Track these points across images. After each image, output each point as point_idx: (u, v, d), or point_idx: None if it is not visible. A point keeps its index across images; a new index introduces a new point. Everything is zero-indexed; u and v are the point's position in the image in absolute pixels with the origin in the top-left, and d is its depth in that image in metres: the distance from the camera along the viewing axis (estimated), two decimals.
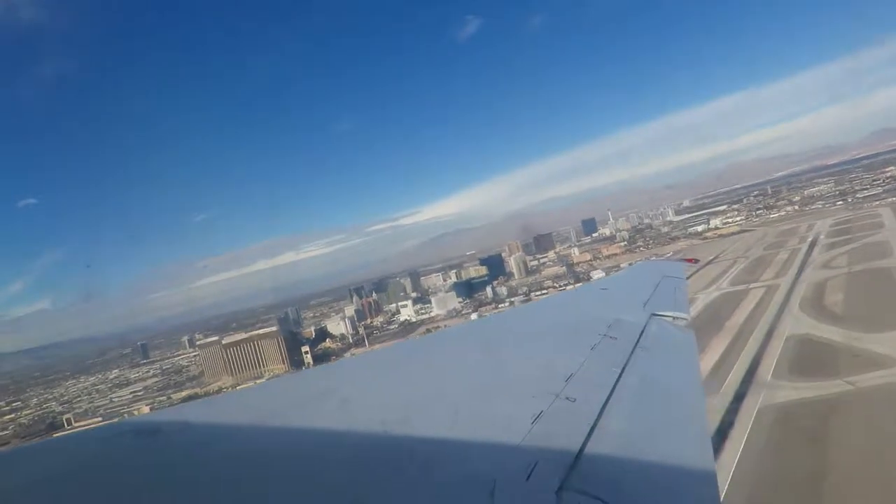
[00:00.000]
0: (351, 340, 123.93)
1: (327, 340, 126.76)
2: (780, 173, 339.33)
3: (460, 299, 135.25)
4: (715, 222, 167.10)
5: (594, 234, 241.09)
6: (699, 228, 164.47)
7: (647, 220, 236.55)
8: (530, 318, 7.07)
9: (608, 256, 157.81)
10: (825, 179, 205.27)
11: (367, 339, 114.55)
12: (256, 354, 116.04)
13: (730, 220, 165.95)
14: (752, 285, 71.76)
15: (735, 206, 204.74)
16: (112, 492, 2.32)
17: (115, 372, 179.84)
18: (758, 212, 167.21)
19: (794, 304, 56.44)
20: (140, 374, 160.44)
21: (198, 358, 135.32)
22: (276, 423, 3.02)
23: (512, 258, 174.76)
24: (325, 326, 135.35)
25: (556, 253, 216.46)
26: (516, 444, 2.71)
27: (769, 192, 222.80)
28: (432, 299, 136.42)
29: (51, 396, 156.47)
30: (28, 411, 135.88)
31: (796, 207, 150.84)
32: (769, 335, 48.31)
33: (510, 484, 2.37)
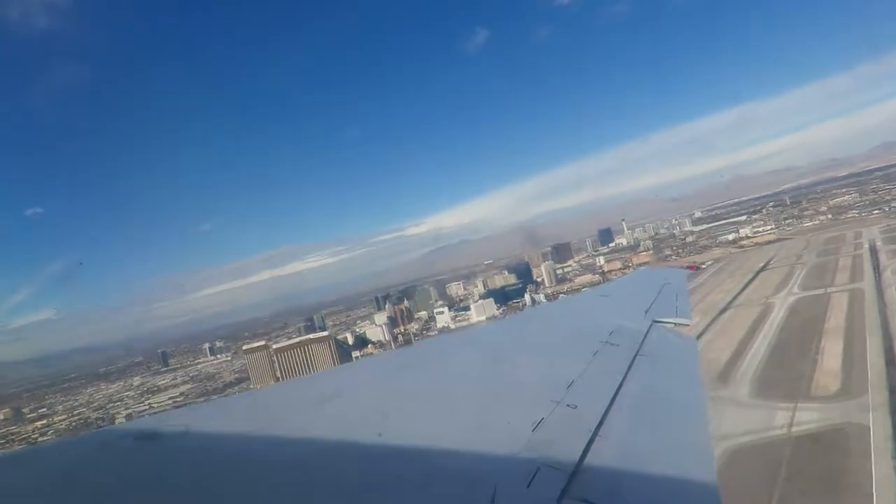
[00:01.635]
0: (394, 346, 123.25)
1: (369, 346, 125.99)
2: (787, 185, 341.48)
3: (498, 306, 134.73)
4: (744, 231, 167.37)
5: (611, 244, 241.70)
6: (730, 237, 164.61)
7: (662, 230, 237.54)
8: (532, 325, 7.11)
9: (640, 265, 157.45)
10: (845, 190, 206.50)
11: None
12: (308, 359, 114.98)
13: (759, 229, 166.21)
14: (829, 290, 71.44)
15: (755, 217, 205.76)
16: (109, 498, 2.27)
17: (137, 379, 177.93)
18: (786, 221, 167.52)
19: (893, 306, 56.14)
20: (167, 380, 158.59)
21: (244, 362, 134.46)
22: (274, 428, 3.00)
23: (542, 266, 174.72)
24: (364, 333, 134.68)
25: (577, 262, 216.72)
26: (517, 451, 2.72)
27: (787, 202, 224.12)
28: (472, 306, 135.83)
29: (76, 403, 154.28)
30: (60, 417, 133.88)
31: (829, 216, 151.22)
32: (888, 336, 47.93)
33: (511, 491, 2.37)
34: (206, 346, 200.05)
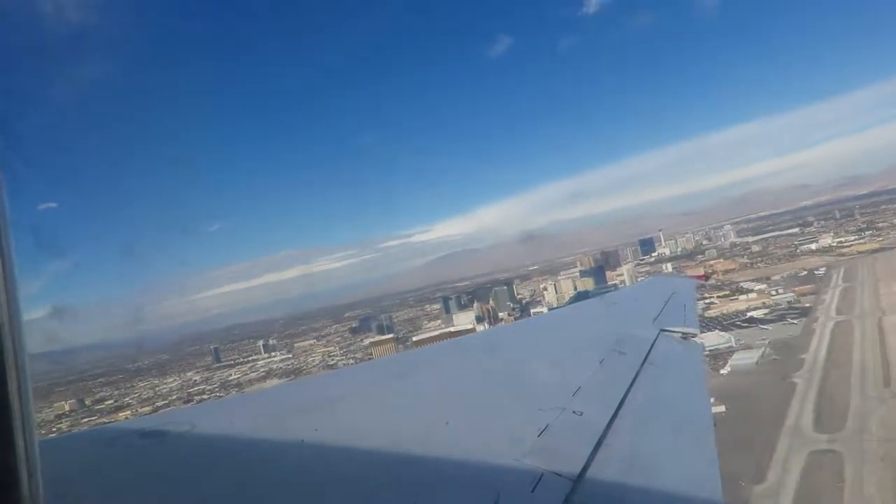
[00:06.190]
0: None
1: None
2: (806, 202, 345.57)
3: None
4: (824, 241, 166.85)
5: (654, 254, 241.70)
6: (812, 246, 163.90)
7: (705, 241, 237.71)
8: (540, 331, 6.95)
9: (727, 271, 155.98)
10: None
11: None
12: None
13: (841, 239, 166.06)
14: None
15: (807, 229, 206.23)
16: (114, 495, 2.23)
17: (192, 374, 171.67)
18: (867, 232, 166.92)
19: None
20: (239, 375, 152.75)
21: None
22: (277, 431, 3.00)
23: (624, 268, 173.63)
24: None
25: (630, 269, 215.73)
26: (522, 457, 2.72)
27: (837, 215, 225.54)
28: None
29: (145, 396, 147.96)
30: (144, 408, 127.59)
31: None
32: None
33: (514, 496, 2.39)
34: (260, 343, 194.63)
